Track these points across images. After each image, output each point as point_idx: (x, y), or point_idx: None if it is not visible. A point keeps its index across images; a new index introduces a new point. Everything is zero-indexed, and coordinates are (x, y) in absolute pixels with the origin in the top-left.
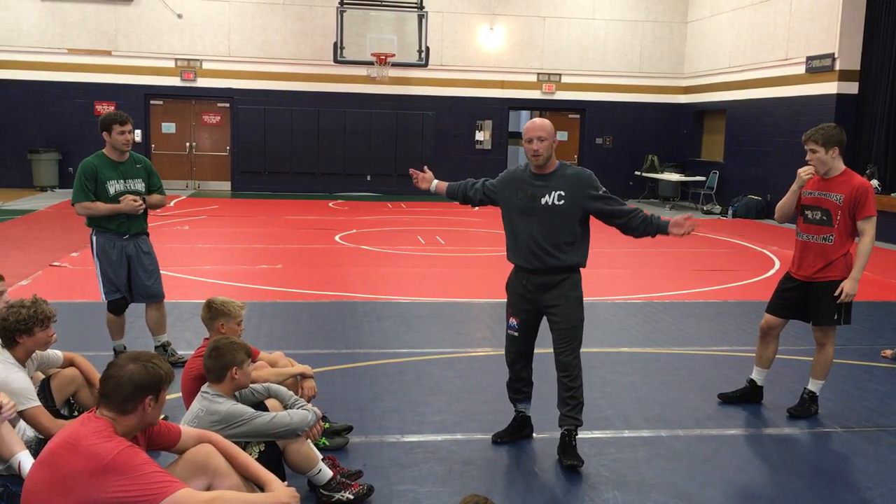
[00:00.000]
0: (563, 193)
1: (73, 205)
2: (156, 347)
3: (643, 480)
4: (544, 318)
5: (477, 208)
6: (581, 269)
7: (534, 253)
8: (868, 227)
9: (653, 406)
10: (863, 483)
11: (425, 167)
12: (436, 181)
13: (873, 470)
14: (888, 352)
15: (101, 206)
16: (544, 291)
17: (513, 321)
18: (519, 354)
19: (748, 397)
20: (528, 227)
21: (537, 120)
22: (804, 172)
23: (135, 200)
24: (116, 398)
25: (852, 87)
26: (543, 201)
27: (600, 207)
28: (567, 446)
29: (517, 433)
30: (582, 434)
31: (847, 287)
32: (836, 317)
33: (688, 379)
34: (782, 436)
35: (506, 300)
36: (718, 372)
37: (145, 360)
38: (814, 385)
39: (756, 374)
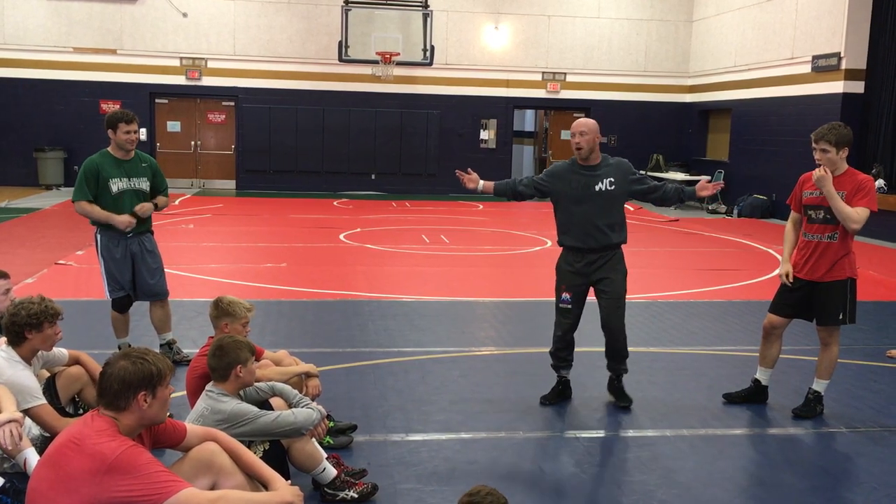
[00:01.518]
0: (613, 180)
1: (73, 202)
2: (161, 346)
3: (648, 480)
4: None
5: (521, 201)
6: (623, 246)
7: (589, 234)
8: (861, 212)
9: (658, 406)
10: (868, 484)
11: (469, 169)
12: (482, 182)
13: (878, 471)
14: (894, 352)
15: (97, 212)
16: (597, 267)
17: (566, 295)
18: (570, 325)
19: (753, 397)
20: (583, 211)
21: (582, 119)
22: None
23: (130, 222)
24: (108, 395)
25: (858, 87)
26: (598, 188)
27: (639, 188)
28: (618, 390)
29: (561, 395)
30: (586, 434)
31: (819, 172)
32: (840, 316)
33: (692, 379)
34: (787, 436)
35: (556, 280)
36: (723, 372)
37: (136, 357)
38: (819, 385)
39: (760, 374)
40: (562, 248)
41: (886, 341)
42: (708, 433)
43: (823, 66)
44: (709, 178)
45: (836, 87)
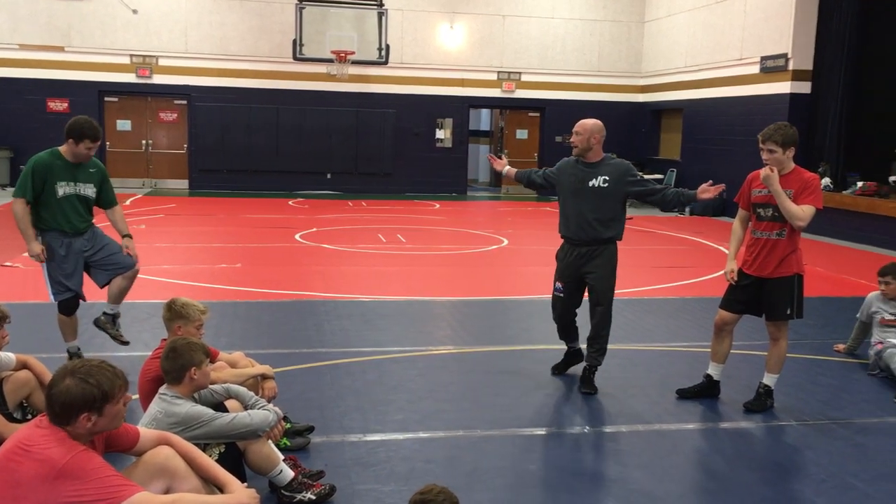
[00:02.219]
0: (607, 178)
1: (14, 198)
2: (105, 314)
3: (604, 475)
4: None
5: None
6: (617, 241)
7: (581, 227)
8: (807, 209)
9: (612, 402)
10: (816, 475)
11: (501, 154)
12: (507, 167)
13: (826, 462)
14: (840, 346)
15: (24, 224)
16: (587, 260)
17: (559, 285)
18: (564, 311)
19: (705, 392)
20: (577, 205)
21: (583, 119)
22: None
23: (39, 257)
24: (52, 414)
25: (805, 87)
26: (591, 184)
27: (637, 190)
28: (587, 379)
29: (570, 364)
30: (542, 431)
31: (766, 170)
32: (788, 311)
33: (646, 375)
34: (739, 430)
35: (556, 268)
36: (676, 367)
37: (82, 376)
38: (769, 379)
39: (712, 370)
40: (562, 238)
41: (833, 336)
42: (662, 428)
43: (771, 66)
44: (711, 181)
45: (784, 87)
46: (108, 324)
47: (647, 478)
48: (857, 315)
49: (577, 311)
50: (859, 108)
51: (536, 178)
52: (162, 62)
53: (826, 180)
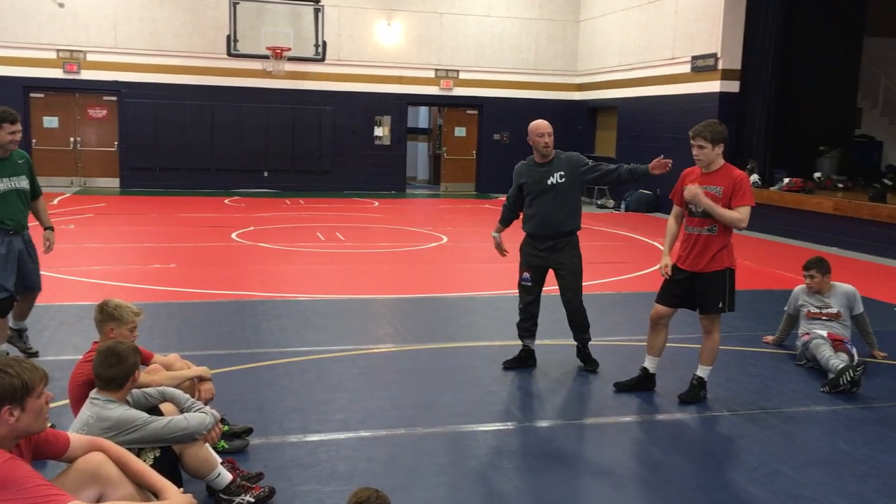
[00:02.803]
0: (563, 173)
1: None
2: (13, 331)
3: (542, 469)
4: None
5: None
6: (577, 232)
7: (546, 223)
8: (743, 211)
9: (551, 396)
10: (749, 463)
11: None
12: (498, 235)
13: (758, 450)
14: (769, 338)
15: None
16: (553, 252)
17: (526, 274)
18: (532, 300)
19: (642, 385)
20: (540, 203)
21: (542, 121)
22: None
23: None
24: None
25: (734, 86)
26: (550, 182)
27: (592, 176)
28: (585, 356)
29: (523, 362)
30: (482, 427)
31: (691, 188)
32: (720, 304)
33: (583, 369)
34: (674, 421)
35: (519, 261)
36: (613, 361)
37: (2, 366)
38: (702, 371)
39: (648, 363)
40: (525, 233)
41: (763, 328)
42: (599, 421)
43: (702, 66)
44: (662, 155)
45: (714, 86)
46: (15, 338)
47: (586, 470)
48: (785, 308)
49: (539, 302)
50: (785, 107)
51: (513, 199)
52: (90, 57)
53: (754, 177)
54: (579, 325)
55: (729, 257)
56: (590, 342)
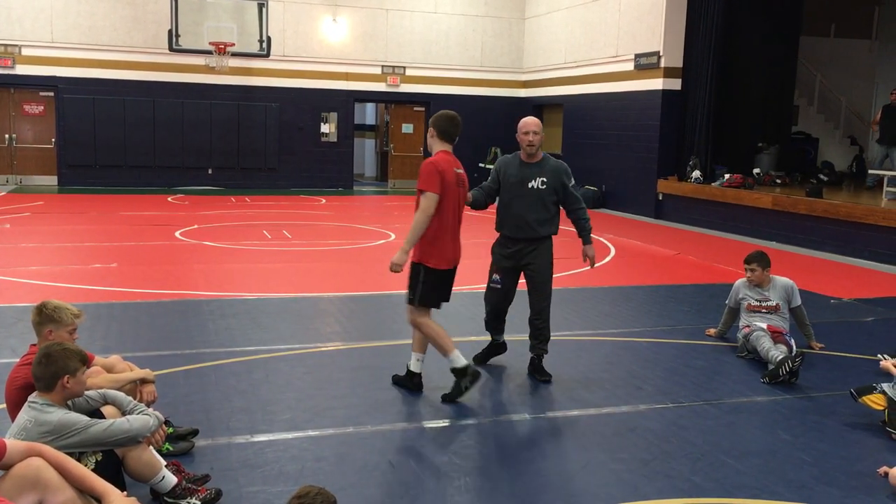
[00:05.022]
0: (545, 180)
1: None
2: None
3: (491, 464)
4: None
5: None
6: (553, 237)
7: (520, 226)
8: (422, 202)
9: (498, 392)
10: (692, 454)
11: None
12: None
13: (701, 441)
14: (711, 331)
15: None
16: (524, 255)
17: (496, 276)
18: (500, 300)
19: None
20: (517, 205)
21: (530, 118)
22: None
23: None
24: None
25: (676, 84)
26: (531, 185)
27: (564, 196)
28: (538, 367)
29: (492, 355)
30: (431, 424)
31: (394, 258)
32: (410, 297)
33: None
34: (619, 413)
35: (491, 262)
36: (561, 357)
37: None
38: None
39: (413, 364)
40: (498, 234)
41: (705, 321)
42: (549, 416)
43: (644, 64)
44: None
45: (657, 84)
46: None
47: (534, 465)
48: (727, 301)
49: (509, 304)
50: (725, 105)
51: (489, 190)
52: (25, 52)
53: (696, 173)
54: (541, 332)
55: (422, 251)
56: (545, 355)
